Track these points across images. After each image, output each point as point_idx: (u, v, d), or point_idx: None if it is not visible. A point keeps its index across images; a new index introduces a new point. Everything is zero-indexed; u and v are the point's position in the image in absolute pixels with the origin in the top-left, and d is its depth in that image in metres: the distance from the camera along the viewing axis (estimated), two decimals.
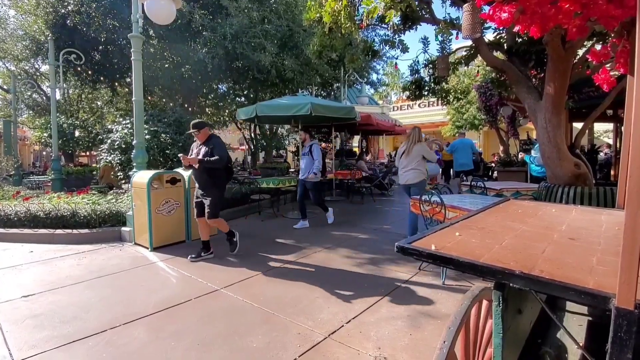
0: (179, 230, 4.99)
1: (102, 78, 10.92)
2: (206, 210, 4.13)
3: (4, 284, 3.51)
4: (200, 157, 4.04)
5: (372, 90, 19.20)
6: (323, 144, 14.70)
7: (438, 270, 3.64)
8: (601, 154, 11.47)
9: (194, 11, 8.39)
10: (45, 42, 9.43)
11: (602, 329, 0.86)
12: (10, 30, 11.58)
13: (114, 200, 5.86)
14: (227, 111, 14.32)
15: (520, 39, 4.76)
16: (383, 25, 5.15)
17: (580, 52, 4.59)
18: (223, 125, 16.09)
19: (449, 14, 11.79)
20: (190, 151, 4.36)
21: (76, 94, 15.25)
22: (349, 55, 5.86)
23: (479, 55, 5.17)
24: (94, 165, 14.92)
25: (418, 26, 4.95)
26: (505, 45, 5.03)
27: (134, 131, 5.39)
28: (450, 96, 7.89)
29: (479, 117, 13.90)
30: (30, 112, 15.48)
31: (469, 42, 5.08)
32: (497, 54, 5.12)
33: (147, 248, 4.65)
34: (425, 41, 6.07)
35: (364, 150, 15.11)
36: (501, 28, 4.72)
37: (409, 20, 4.74)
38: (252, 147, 14.59)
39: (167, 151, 7.37)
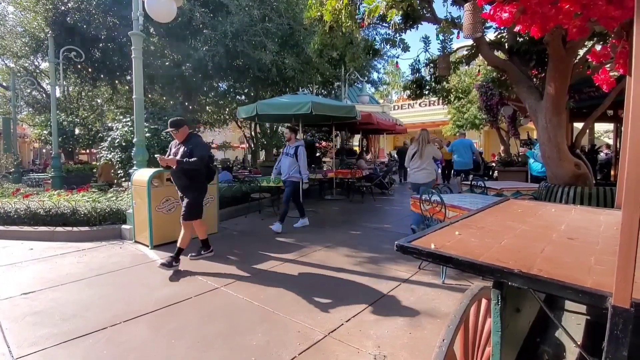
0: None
1: (102, 76, 10.91)
2: (182, 211, 3.94)
3: (3, 281, 3.52)
4: (178, 157, 3.82)
5: (372, 89, 19.20)
6: (324, 143, 14.73)
7: (438, 270, 3.65)
8: (602, 154, 11.48)
9: (194, 9, 8.38)
10: (45, 39, 9.42)
11: (600, 327, 0.86)
12: (9, 26, 11.54)
13: (114, 198, 5.86)
14: (227, 109, 14.32)
15: (521, 39, 4.75)
16: (384, 24, 5.14)
17: (581, 52, 4.59)
18: (223, 123, 16.10)
19: (450, 13, 11.77)
20: (169, 150, 4.16)
21: (76, 92, 15.23)
22: (349, 54, 5.85)
23: (479, 54, 5.17)
24: (94, 163, 14.94)
25: (419, 25, 4.94)
26: (506, 44, 5.03)
27: (135, 129, 5.39)
28: (451, 95, 7.90)
29: (479, 117, 13.90)
30: (30, 109, 15.47)
31: (470, 42, 5.08)
32: (498, 54, 5.12)
33: (148, 246, 4.66)
34: (426, 40, 6.07)
35: (365, 149, 15.11)
36: (502, 28, 4.72)
37: (410, 19, 4.74)
38: (252, 146, 14.60)
39: (168, 149, 7.37)
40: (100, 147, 8.33)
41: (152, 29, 9.10)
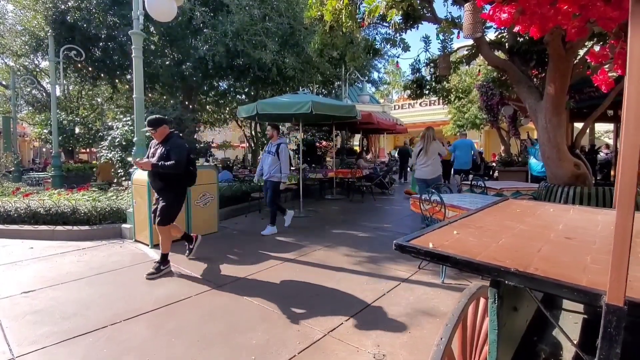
0: (179, 227, 5.00)
1: (102, 75, 10.91)
2: (157, 214, 3.71)
3: (4, 280, 3.53)
4: (155, 160, 3.62)
5: (373, 89, 19.20)
6: (324, 143, 14.73)
7: (438, 269, 3.66)
8: (602, 154, 11.49)
9: (194, 8, 8.38)
10: (45, 38, 9.42)
11: (597, 326, 0.87)
12: (9, 25, 11.55)
13: (114, 197, 5.88)
14: (227, 109, 14.33)
15: (522, 39, 4.76)
16: (384, 24, 5.15)
17: (582, 52, 4.60)
18: (224, 122, 16.12)
19: (450, 13, 11.75)
20: (148, 150, 3.97)
21: (76, 91, 15.25)
22: (350, 54, 5.85)
23: (480, 54, 5.18)
24: (94, 162, 14.95)
25: (419, 25, 4.94)
26: (506, 44, 5.03)
27: (135, 128, 5.40)
28: (451, 95, 7.91)
29: (480, 117, 13.92)
30: (30, 108, 15.48)
31: (470, 41, 5.08)
32: (499, 54, 5.12)
33: (147, 245, 4.67)
34: (426, 40, 6.07)
35: (365, 149, 15.13)
36: (502, 28, 4.73)
37: (411, 19, 4.74)
38: (252, 145, 14.60)
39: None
40: (100, 146, 8.34)
41: (153, 28, 9.11)
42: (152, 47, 9.56)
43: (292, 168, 11.41)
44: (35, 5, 9.21)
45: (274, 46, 8.41)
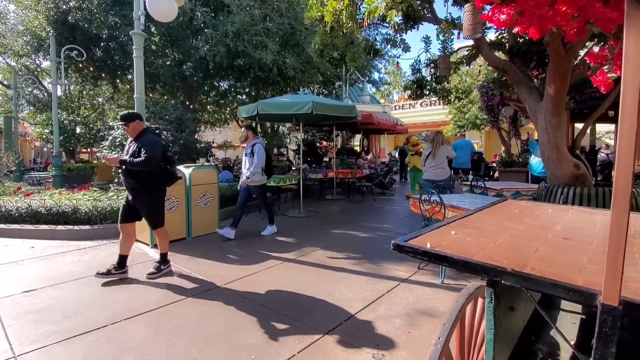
0: (179, 227, 5.02)
1: (103, 75, 10.94)
2: (147, 221, 3.64)
3: (5, 279, 3.55)
4: (126, 157, 3.43)
5: (373, 89, 19.21)
6: (324, 143, 14.74)
7: (437, 270, 3.66)
8: (602, 154, 11.47)
9: (195, 8, 8.40)
10: (46, 38, 9.45)
11: (594, 326, 0.88)
12: (10, 25, 11.59)
13: (115, 197, 5.89)
14: (228, 109, 14.34)
15: (522, 39, 4.76)
16: (385, 24, 5.16)
17: (582, 52, 4.59)
18: (224, 122, 16.12)
19: (450, 13, 11.80)
20: (126, 147, 3.77)
21: (77, 91, 15.28)
22: (350, 54, 5.86)
23: (480, 55, 5.18)
24: (95, 162, 14.98)
25: (420, 25, 4.95)
26: (506, 45, 5.04)
27: None
28: (452, 96, 7.92)
29: (480, 117, 13.92)
30: (31, 108, 15.52)
31: (470, 42, 5.09)
32: (499, 54, 5.13)
33: (148, 245, 4.69)
34: (427, 40, 6.08)
35: (365, 149, 15.13)
36: (502, 29, 4.73)
37: (411, 20, 4.74)
38: None
39: (168, 148, 7.38)
40: (101, 146, 8.35)
41: (154, 28, 9.13)
42: (153, 47, 9.58)
43: (293, 168, 11.44)
44: (36, 5, 9.24)
45: (274, 46, 8.42)
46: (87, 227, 5.10)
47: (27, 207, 5.30)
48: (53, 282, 3.43)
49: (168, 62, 9.55)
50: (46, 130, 12.42)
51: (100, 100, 16.53)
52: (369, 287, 3.34)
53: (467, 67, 8.16)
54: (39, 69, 13.95)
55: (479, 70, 10.22)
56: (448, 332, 1.15)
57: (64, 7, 8.90)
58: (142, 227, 4.83)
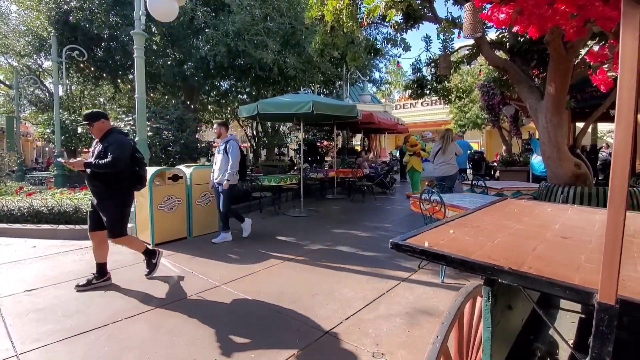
0: (180, 226, 5.03)
1: (104, 75, 10.97)
2: (107, 229, 3.33)
3: (7, 278, 3.57)
4: (91, 158, 3.21)
5: (374, 89, 19.19)
6: (325, 142, 14.74)
7: (437, 269, 3.66)
8: (604, 153, 11.44)
9: (196, 8, 8.41)
10: (47, 38, 9.48)
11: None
12: (12, 25, 11.62)
13: None
14: (229, 108, 14.36)
15: (522, 39, 4.75)
16: (385, 24, 5.15)
17: (583, 51, 4.58)
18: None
19: (450, 12, 11.75)
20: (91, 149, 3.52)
21: (79, 91, 15.31)
22: (351, 54, 5.86)
23: (480, 54, 5.17)
24: None
25: (420, 25, 4.94)
26: (507, 44, 5.03)
27: (136, 128, 5.42)
28: (452, 95, 7.91)
29: (481, 116, 13.91)
30: (33, 108, 15.54)
31: (471, 41, 5.08)
32: (500, 53, 5.12)
33: (149, 244, 4.68)
34: (427, 40, 6.07)
35: (366, 148, 15.12)
36: (502, 28, 4.72)
37: (411, 19, 4.74)
38: (254, 145, 14.62)
39: (169, 148, 7.43)
40: None
41: (154, 28, 9.15)
42: (154, 47, 9.60)
43: (295, 168, 11.44)
44: (38, 5, 9.27)
45: (275, 46, 8.43)
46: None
47: (28, 206, 5.32)
48: (54, 282, 3.45)
49: (169, 62, 9.58)
50: (48, 130, 12.42)
51: (101, 100, 16.55)
52: (369, 287, 3.34)
53: (468, 66, 8.15)
54: (40, 69, 13.98)
55: (480, 70, 10.20)
56: (446, 331, 1.15)
57: (65, 7, 8.93)
58: (143, 226, 4.85)
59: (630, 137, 0.72)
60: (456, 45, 6.03)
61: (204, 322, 2.67)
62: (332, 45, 5.66)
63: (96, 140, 3.39)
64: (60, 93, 10.98)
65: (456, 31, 5.00)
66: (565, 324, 1.55)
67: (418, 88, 6.53)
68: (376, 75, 16.31)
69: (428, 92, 6.76)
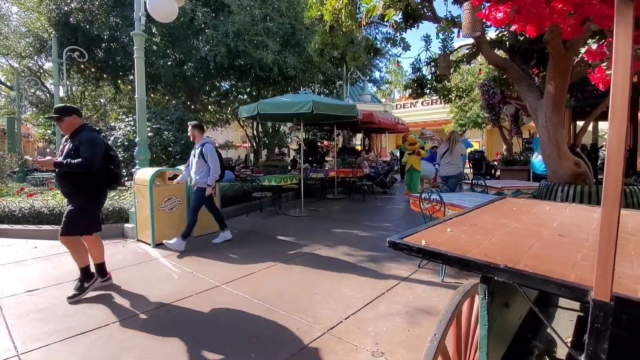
0: (180, 227, 5.03)
1: (105, 75, 11.00)
2: (63, 220, 3.04)
3: (8, 279, 3.58)
4: (61, 158, 3.01)
5: (374, 88, 19.19)
6: (325, 142, 14.75)
7: (437, 268, 3.67)
8: (604, 152, 11.43)
9: (196, 9, 8.43)
10: (48, 40, 9.52)
11: None
12: (13, 27, 11.67)
13: (116, 197, 5.92)
14: (229, 109, 14.39)
15: (522, 37, 4.75)
16: (384, 23, 5.16)
17: (583, 50, 4.58)
18: (226, 122, 16.16)
19: (450, 12, 11.74)
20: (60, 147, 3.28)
21: (79, 91, 15.34)
22: (350, 53, 5.87)
23: (480, 53, 5.17)
24: None
25: (420, 24, 4.95)
26: (506, 43, 5.03)
27: (137, 128, 5.44)
28: (452, 94, 7.91)
29: (482, 116, 13.89)
30: (34, 109, 15.59)
31: (471, 40, 5.08)
32: (499, 52, 5.12)
33: (150, 244, 4.71)
34: (427, 39, 6.07)
35: (366, 148, 15.12)
36: (500, 27, 4.72)
37: (411, 18, 4.74)
38: (254, 145, 14.64)
39: (170, 148, 7.44)
40: None
41: (155, 29, 9.17)
42: (154, 47, 9.62)
43: (296, 167, 11.45)
44: (38, 7, 9.30)
45: (275, 46, 8.44)
46: None
47: (30, 207, 5.34)
48: (55, 282, 3.46)
49: (169, 63, 9.59)
50: (49, 131, 12.49)
51: (102, 101, 16.59)
52: (369, 286, 3.34)
53: (468, 65, 8.15)
54: (41, 70, 14.02)
55: (480, 69, 10.19)
56: (444, 329, 1.15)
57: (66, 8, 8.96)
58: (144, 226, 4.86)
59: (624, 135, 0.72)
60: (456, 44, 6.04)
61: (204, 322, 2.68)
62: (331, 45, 5.66)
63: (66, 137, 3.16)
64: (61, 94, 11.00)
65: (456, 30, 5.00)
66: (563, 322, 1.55)
67: (418, 87, 6.54)
68: (376, 74, 16.33)
69: (428, 91, 6.78)
